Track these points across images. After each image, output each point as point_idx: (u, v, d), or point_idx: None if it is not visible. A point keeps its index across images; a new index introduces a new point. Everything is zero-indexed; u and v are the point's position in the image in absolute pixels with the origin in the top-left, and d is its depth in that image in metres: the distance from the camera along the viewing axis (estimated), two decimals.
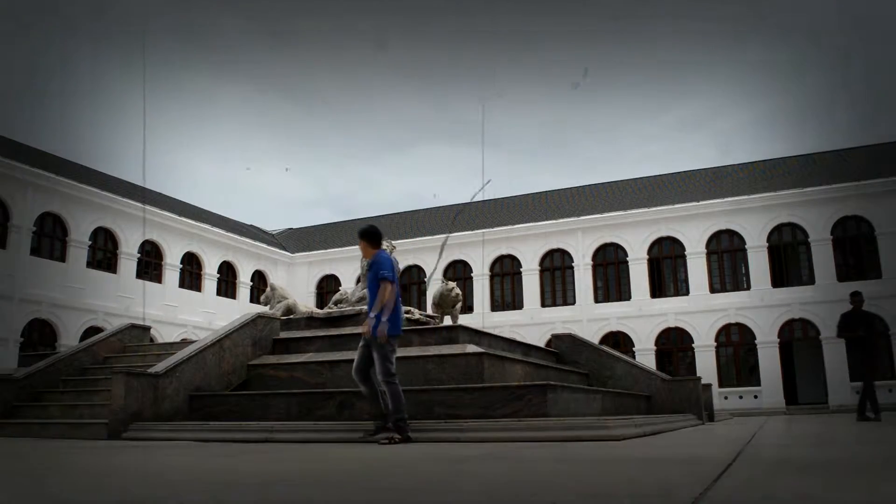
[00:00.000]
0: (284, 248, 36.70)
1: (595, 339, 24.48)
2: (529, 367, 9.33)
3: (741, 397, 27.25)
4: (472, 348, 8.24)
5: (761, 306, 27.69)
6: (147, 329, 12.12)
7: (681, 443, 5.56)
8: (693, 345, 28.54)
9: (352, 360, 8.63)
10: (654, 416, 9.21)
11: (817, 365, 27.35)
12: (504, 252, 31.63)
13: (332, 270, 35.12)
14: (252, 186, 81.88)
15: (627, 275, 30.12)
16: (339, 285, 32.41)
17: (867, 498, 2.10)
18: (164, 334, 26.07)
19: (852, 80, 66.04)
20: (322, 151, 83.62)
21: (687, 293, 29.20)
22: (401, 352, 8.65)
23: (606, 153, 76.99)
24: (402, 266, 13.11)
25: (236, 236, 32.73)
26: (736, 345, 28.44)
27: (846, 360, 26.30)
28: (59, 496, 2.59)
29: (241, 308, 28.01)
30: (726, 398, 26.70)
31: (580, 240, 30.73)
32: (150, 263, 28.36)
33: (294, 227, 42.88)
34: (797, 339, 28.10)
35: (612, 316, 29.73)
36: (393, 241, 11.90)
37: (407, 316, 11.05)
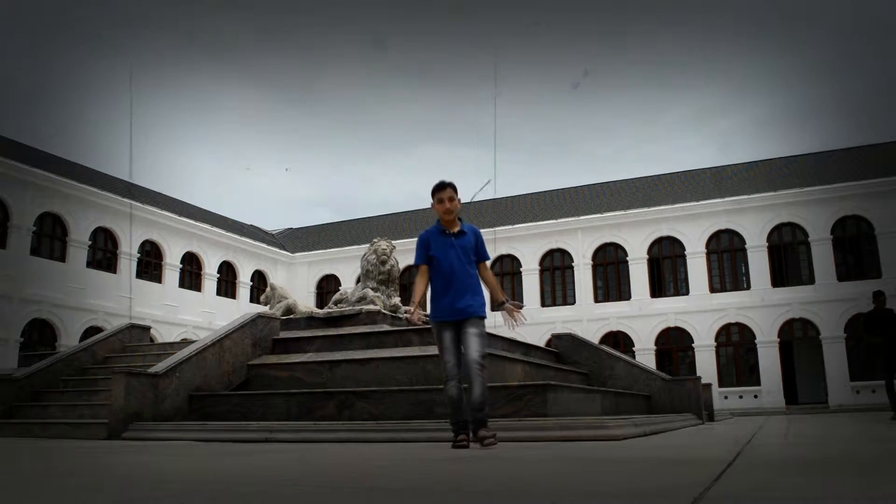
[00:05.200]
0: (284, 248, 36.70)
1: (595, 339, 24.48)
2: (529, 367, 9.32)
3: (741, 397, 27.27)
4: None
5: (761, 306, 27.70)
6: (147, 329, 12.12)
7: (681, 443, 5.56)
8: (693, 344, 28.55)
9: (352, 360, 8.67)
10: (654, 416, 9.20)
11: (817, 365, 27.37)
12: (504, 252, 31.64)
13: (332, 270, 35.12)
14: (252, 186, 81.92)
15: (627, 275, 30.14)
16: (339, 285, 32.43)
17: (868, 497, 2.10)
18: (164, 334, 26.09)
19: (853, 80, 66.03)
20: (322, 151, 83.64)
21: (687, 293, 29.21)
22: (401, 352, 8.67)
23: (606, 153, 77.04)
24: (401, 266, 12.81)
25: (236, 236, 32.73)
26: (736, 344, 28.45)
27: (846, 360, 26.35)
28: (58, 497, 2.59)
29: (241, 308, 28.03)
30: (726, 398, 26.72)
31: (580, 240, 30.74)
32: (150, 263, 28.37)
33: (294, 227, 42.88)
34: (797, 338, 28.12)
35: (612, 316, 29.74)
36: (393, 241, 11.90)
37: (407, 316, 11.02)
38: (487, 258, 5.45)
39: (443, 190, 5.30)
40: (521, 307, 5.27)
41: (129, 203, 26.96)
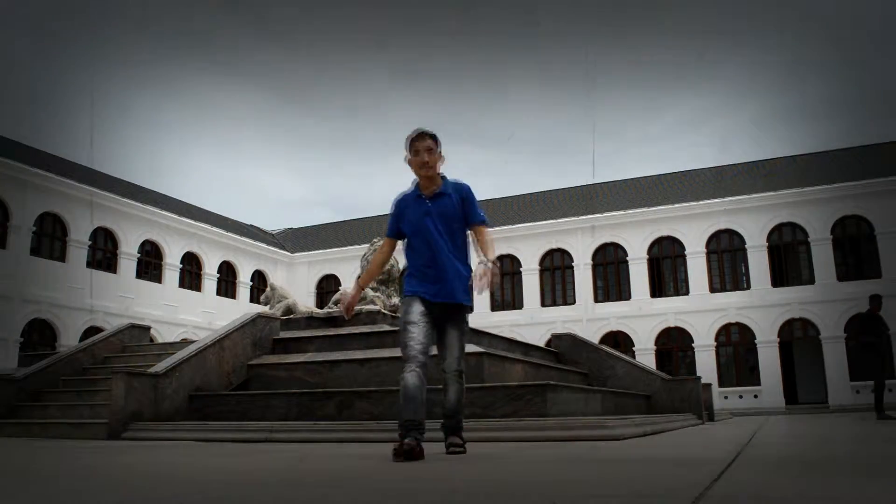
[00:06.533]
0: (284, 248, 36.69)
1: (595, 339, 24.47)
2: (529, 367, 9.32)
3: (741, 397, 27.26)
4: (471, 348, 8.23)
5: (761, 306, 27.70)
6: (147, 329, 12.12)
7: (681, 442, 5.56)
8: (693, 344, 28.54)
9: (351, 360, 8.66)
10: (654, 416, 9.20)
11: (817, 365, 27.37)
12: (504, 252, 31.63)
13: (332, 270, 35.12)
14: (252, 186, 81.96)
15: (627, 275, 30.13)
16: (339, 285, 32.42)
17: (868, 497, 2.10)
18: (164, 334, 26.08)
19: (852, 79, 66.07)
20: (322, 151, 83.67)
21: (687, 293, 29.21)
22: (400, 352, 8.64)
23: (606, 153, 77.04)
24: (401, 266, 12.60)
25: (236, 236, 32.72)
26: (736, 344, 28.45)
27: (846, 360, 26.34)
28: (58, 497, 2.59)
29: (241, 308, 28.02)
30: (726, 398, 26.71)
31: (580, 240, 30.74)
32: (150, 263, 28.37)
33: (294, 227, 42.87)
34: (797, 338, 28.12)
35: (612, 316, 29.74)
36: None
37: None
38: (481, 220, 4.21)
39: (420, 139, 4.09)
40: (497, 272, 3.98)
41: (134, 204, 27.06)
